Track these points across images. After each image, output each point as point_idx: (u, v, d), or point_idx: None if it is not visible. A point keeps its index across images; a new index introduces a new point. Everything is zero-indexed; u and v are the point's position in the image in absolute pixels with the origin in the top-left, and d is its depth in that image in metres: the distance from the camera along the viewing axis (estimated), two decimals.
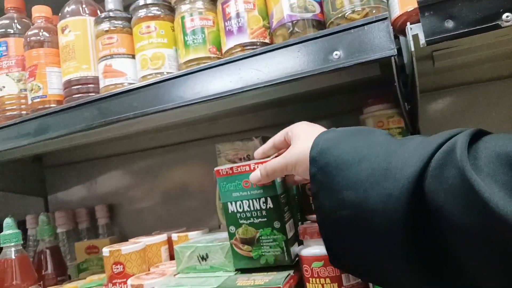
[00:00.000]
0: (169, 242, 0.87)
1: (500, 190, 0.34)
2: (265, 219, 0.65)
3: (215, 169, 0.71)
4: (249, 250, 0.66)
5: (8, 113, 0.99)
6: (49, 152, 1.39)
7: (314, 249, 0.62)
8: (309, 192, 0.71)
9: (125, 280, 0.73)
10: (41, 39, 0.96)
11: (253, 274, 0.64)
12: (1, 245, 0.86)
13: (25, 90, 0.99)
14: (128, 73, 0.87)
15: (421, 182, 0.41)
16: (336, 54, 0.66)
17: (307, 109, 1.10)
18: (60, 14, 0.95)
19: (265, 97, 0.93)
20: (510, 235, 0.33)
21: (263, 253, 0.65)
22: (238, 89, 0.72)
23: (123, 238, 1.10)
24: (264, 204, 0.66)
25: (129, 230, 1.35)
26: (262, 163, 0.65)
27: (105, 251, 0.75)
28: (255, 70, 0.72)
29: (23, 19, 1.05)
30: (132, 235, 1.04)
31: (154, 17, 0.85)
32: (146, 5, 0.86)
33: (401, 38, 0.76)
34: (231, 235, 0.68)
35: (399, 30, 0.68)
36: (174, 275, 0.71)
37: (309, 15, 0.72)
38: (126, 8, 0.95)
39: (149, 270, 0.79)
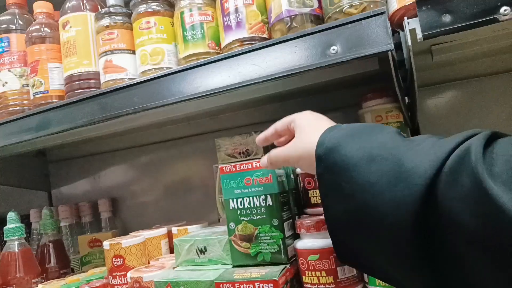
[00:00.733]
0: (169, 235, 0.89)
1: None
2: (264, 216, 0.66)
3: (219, 166, 0.72)
4: (247, 247, 0.67)
5: (10, 109, 1.00)
6: (53, 146, 1.41)
7: (310, 242, 0.63)
8: (308, 186, 0.71)
9: (125, 273, 0.74)
10: (43, 35, 0.97)
11: (250, 267, 0.65)
12: (5, 239, 0.88)
13: (27, 85, 1.00)
14: (128, 69, 0.88)
15: (434, 188, 0.40)
16: (334, 49, 0.66)
17: (306, 104, 1.09)
18: (61, 10, 0.95)
19: (264, 92, 0.94)
20: None
21: (261, 250, 0.66)
22: (236, 84, 0.73)
23: (126, 232, 1.12)
24: (264, 201, 0.66)
25: (132, 223, 1.36)
26: None
27: (106, 244, 0.76)
28: (253, 65, 0.72)
29: (25, 15, 1.05)
30: (135, 229, 1.05)
31: (154, 13, 0.85)
32: (146, 1, 0.86)
33: (401, 32, 0.75)
34: (231, 232, 0.69)
35: (397, 24, 0.68)
36: (173, 268, 0.72)
37: (307, 10, 0.73)
38: (127, 4, 0.96)
39: (148, 263, 0.80)
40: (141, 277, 0.69)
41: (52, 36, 0.97)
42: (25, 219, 1.26)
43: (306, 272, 0.62)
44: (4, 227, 0.87)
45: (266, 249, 0.66)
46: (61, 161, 1.50)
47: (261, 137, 0.67)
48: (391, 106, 0.90)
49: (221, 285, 0.61)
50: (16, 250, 0.85)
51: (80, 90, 0.91)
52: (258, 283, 0.58)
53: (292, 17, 0.73)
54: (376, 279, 0.62)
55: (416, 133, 1.04)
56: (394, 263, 0.45)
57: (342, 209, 0.48)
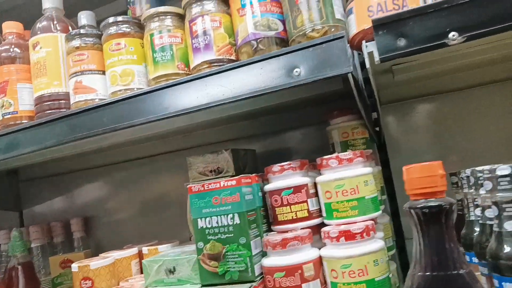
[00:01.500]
0: (140, 255, 0.88)
1: None
2: (232, 234, 0.67)
3: (187, 186, 0.73)
4: (215, 266, 0.68)
5: None
6: (25, 165, 1.39)
7: (276, 259, 0.64)
8: (275, 204, 0.73)
9: None
10: (12, 55, 0.97)
11: (218, 286, 0.66)
12: None
13: None
14: (98, 89, 0.88)
15: None
16: (297, 71, 0.68)
17: (277, 121, 1.13)
18: (31, 30, 0.96)
19: (234, 111, 0.96)
20: None
21: (229, 269, 0.67)
22: (204, 104, 0.74)
23: (99, 251, 1.10)
24: (232, 220, 0.67)
25: (106, 242, 1.35)
26: (232, 180, 0.67)
27: (74, 266, 0.76)
28: (220, 86, 0.74)
29: None
30: (109, 248, 1.04)
31: (124, 34, 0.86)
32: (116, 23, 0.88)
33: None
34: (199, 251, 0.69)
35: (357, 47, 0.71)
36: None
37: (272, 33, 0.75)
38: (100, 22, 0.97)
39: (118, 285, 0.80)
40: None
41: (22, 57, 0.97)
42: None
43: None
44: None
45: (234, 267, 0.67)
46: (33, 180, 1.48)
47: None
48: (356, 123, 0.93)
49: None
50: None
51: (50, 111, 0.91)
52: None
53: (258, 40, 0.75)
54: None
55: (383, 148, 1.08)
56: None
57: None
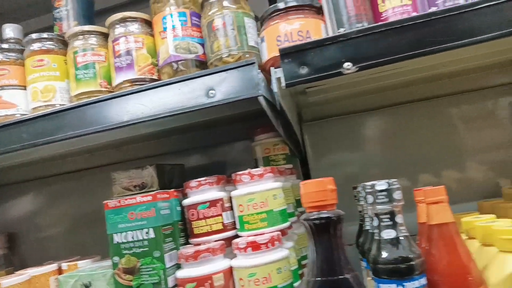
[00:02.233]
0: (60, 272, 0.88)
1: None
2: (147, 248, 0.70)
3: (104, 202, 0.75)
4: (130, 279, 0.70)
5: None
6: None
7: (188, 271, 0.68)
8: (192, 217, 0.76)
9: None
10: None
11: None
12: None
13: None
14: (19, 105, 0.88)
15: None
16: (212, 93, 0.73)
17: (204, 137, 1.17)
18: None
19: (159, 127, 0.99)
20: None
21: (143, 282, 0.69)
22: (124, 122, 0.77)
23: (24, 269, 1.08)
24: (147, 234, 0.70)
25: (32, 260, 1.30)
26: (147, 196, 0.70)
27: None
28: (140, 105, 0.77)
29: None
30: (35, 265, 1.02)
31: (48, 51, 0.87)
32: (40, 39, 0.88)
33: None
34: (115, 265, 0.71)
35: (268, 72, 0.78)
36: None
37: (191, 56, 0.80)
38: (28, 34, 0.96)
39: None
40: None
41: None
42: None
43: None
44: None
45: (148, 280, 0.69)
46: None
47: None
48: (277, 140, 1.00)
49: None
50: None
51: None
52: None
53: (178, 61, 0.79)
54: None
55: (304, 162, 1.15)
56: None
57: None
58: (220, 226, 0.74)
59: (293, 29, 0.73)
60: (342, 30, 0.71)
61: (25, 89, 0.88)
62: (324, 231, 0.57)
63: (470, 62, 0.91)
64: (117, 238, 0.71)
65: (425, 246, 0.60)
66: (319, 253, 0.56)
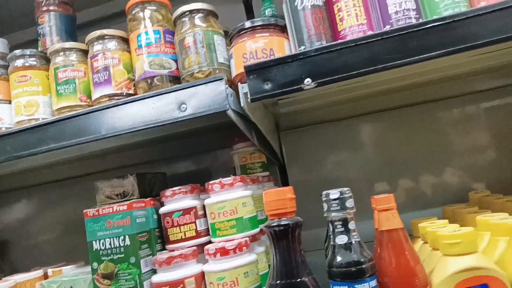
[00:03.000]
0: (46, 277, 0.92)
1: None
2: (123, 255, 0.74)
3: (84, 211, 0.79)
4: (108, 284, 0.74)
5: None
6: None
7: (162, 276, 0.72)
8: (167, 225, 0.81)
9: None
10: None
11: None
12: None
13: None
14: (4, 118, 0.92)
15: None
16: (184, 107, 0.78)
17: (184, 146, 1.22)
18: None
19: (140, 138, 1.03)
20: None
21: (120, 286, 0.74)
22: (102, 135, 0.81)
23: None
24: (123, 241, 0.75)
25: (23, 266, 1.34)
26: (123, 205, 0.75)
27: None
28: (117, 118, 0.82)
29: None
30: (26, 271, 1.06)
31: (30, 67, 0.91)
32: (23, 56, 0.92)
33: None
34: (94, 271, 0.76)
35: (236, 87, 0.82)
36: None
37: (165, 72, 0.84)
38: (16, 46, 1.01)
39: None
40: None
41: None
42: None
43: None
44: None
45: (124, 285, 0.74)
46: None
47: None
48: (254, 149, 1.04)
49: None
50: None
51: None
52: None
53: (152, 77, 0.84)
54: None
55: (283, 169, 1.19)
56: None
57: None
58: (193, 233, 0.79)
59: (258, 47, 0.77)
60: (302, 48, 0.75)
61: (10, 103, 0.93)
62: (283, 237, 0.61)
63: (435, 74, 0.96)
64: (96, 245, 0.76)
65: (378, 250, 0.65)
66: (279, 258, 0.61)
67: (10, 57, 0.93)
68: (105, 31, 0.87)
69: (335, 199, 0.63)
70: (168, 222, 0.81)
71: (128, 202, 0.76)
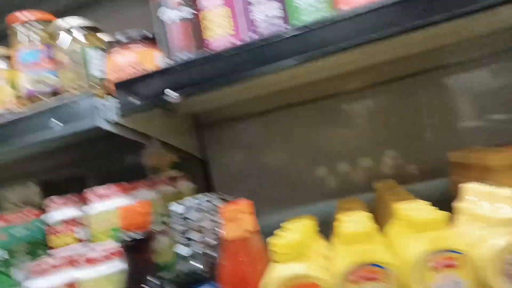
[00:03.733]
0: None
1: None
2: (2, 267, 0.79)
3: None
4: None
5: None
6: None
7: (35, 284, 0.77)
8: (50, 233, 0.84)
9: None
10: None
11: None
12: None
13: None
14: None
15: None
16: (57, 122, 0.80)
17: (104, 147, 1.24)
18: None
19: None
20: None
21: None
22: None
23: None
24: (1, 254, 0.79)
25: None
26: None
27: None
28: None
29: None
30: None
31: None
32: None
33: None
34: None
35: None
36: None
37: (46, 88, 0.86)
38: None
39: None
40: None
41: None
42: None
43: None
44: None
45: None
46: None
47: None
48: (162, 150, 1.07)
49: None
50: None
51: None
52: None
53: (34, 94, 0.86)
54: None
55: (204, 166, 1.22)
56: None
57: None
58: (73, 241, 0.83)
59: (127, 61, 0.79)
60: (170, 61, 0.77)
61: None
62: (132, 249, 0.66)
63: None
64: None
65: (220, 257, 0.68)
66: (128, 267, 0.65)
67: None
68: None
69: (177, 212, 0.66)
70: (51, 231, 0.85)
71: (7, 216, 0.80)
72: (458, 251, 0.51)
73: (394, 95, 1.09)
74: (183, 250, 0.65)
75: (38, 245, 0.85)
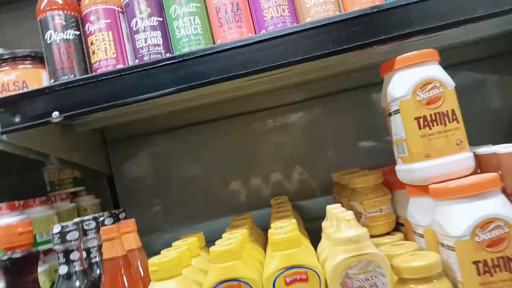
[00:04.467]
0: None
1: None
2: None
3: None
4: None
5: None
6: None
7: None
8: None
9: None
10: None
11: None
12: None
13: None
14: None
15: None
16: None
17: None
18: None
19: None
20: None
21: None
22: None
23: None
24: None
25: None
26: None
27: None
28: None
29: None
30: None
31: None
32: None
33: None
34: None
35: None
36: None
37: None
38: None
39: None
40: None
41: None
42: None
43: None
44: None
45: None
46: None
47: None
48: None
49: None
50: None
51: None
52: None
53: None
54: None
55: (111, 180, 1.22)
56: None
57: None
58: None
59: (10, 80, 0.78)
60: (52, 82, 0.78)
61: None
62: (11, 269, 0.66)
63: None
64: None
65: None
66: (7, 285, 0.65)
67: None
68: None
69: (56, 233, 0.67)
70: None
71: None
72: (306, 267, 0.58)
73: (306, 114, 1.18)
74: (63, 270, 0.66)
75: None
